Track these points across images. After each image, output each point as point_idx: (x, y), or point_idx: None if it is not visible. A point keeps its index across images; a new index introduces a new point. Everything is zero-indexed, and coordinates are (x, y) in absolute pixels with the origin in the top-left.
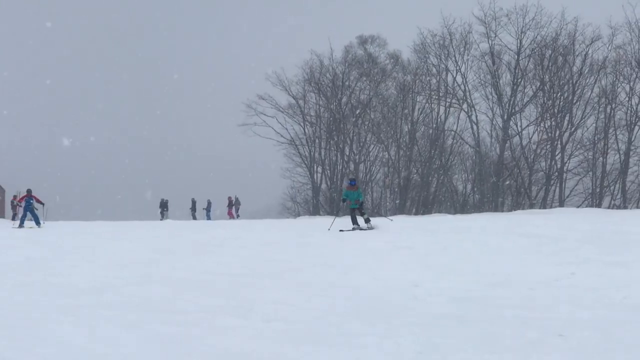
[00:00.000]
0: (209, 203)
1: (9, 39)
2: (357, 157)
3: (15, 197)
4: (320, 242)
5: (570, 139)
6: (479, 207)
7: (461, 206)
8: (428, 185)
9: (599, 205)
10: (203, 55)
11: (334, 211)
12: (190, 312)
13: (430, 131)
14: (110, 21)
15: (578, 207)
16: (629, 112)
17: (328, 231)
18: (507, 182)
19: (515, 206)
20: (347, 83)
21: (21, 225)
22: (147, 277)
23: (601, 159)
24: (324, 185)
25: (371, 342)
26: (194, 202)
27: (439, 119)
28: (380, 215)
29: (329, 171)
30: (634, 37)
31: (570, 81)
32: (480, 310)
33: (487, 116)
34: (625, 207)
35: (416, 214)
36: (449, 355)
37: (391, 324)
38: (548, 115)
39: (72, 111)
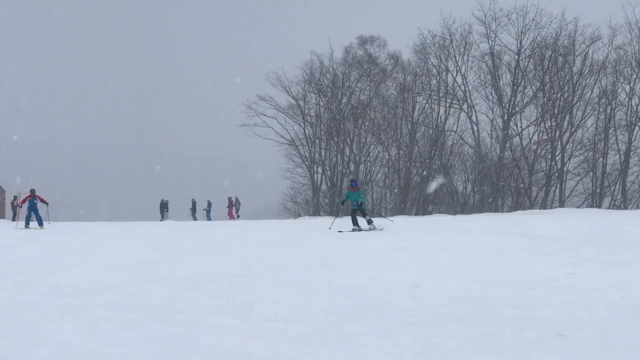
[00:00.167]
0: (209, 204)
1: (9, 39)
2: (357, 157)
3: (15, 197)
4: (320, 242)
5: (571, 140)
6: (479, 208)
7: (461, 207)
8: (428, 186)
9: (599, 206)
10: (203, 55)
11: (335, 212)
12: (190, 312)
13: (431, 132)
14: (110, 21)
15: (578, 207)
16: (629, 112)
17: (329, 230)
18: (507, 183)
19: (516, 207)
20: (347, 83)
21: (27, 226)
22: (147, 277)
23: (601, 159)
24: (324, 186)
25: (371, 342)
26: (194, 203)
27: (439, 120)
28: (380, 215)
29: (329, 172)
30: (634, 37)
31: (571, 81)
32: (480, 310)
33: (487, 117)
34: (625, 208)
35: (416, 214)
36: (449, 355)
37: (391, 324)
38: (548, 115)
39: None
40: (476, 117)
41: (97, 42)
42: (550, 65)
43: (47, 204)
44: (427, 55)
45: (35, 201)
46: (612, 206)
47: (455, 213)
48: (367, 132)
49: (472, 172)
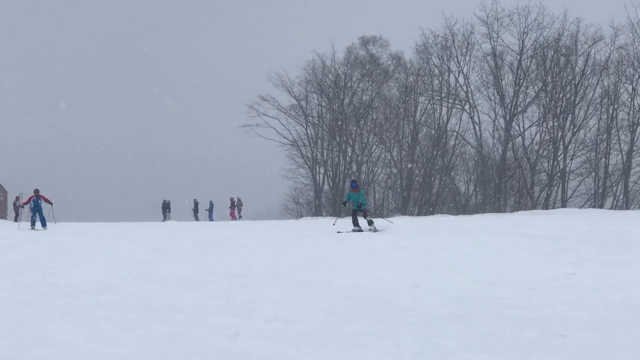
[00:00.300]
0: (211, 204)
1: (9, 39)
2: (359, 158)
3: (17, 198)
4: (320, 242)
5: (573, 140)
6: (481, 208)
7: (463, 207)
8: (430, 186)
9: (601, 206)
10: (203, 55)
11: (336, 212)
12: (190, 312)
13: (433, 132)
14: (110, 21)
15: (580, 207)
16: (631, 112)
17: (333, 227)
18: (509, 183)
19: (518, 207)
20: (349, 84)
21: (32, 227)
22: (147, 277)
23: (604, 159)
24: (326, 186)
25: (371, 342)
26: (196, 203)
27: (441, 120)
28: (380, 216)
29: (331, 172)
30: (636, 37)
31: (573, 82)
32: (480, 310)
33: (490, 117)
34: (627, 208)
35: (418, 214)
36: (449, 355)
37: (391, 324)
38: (550, 115)
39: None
40: (478, 117)
41: (97, 42)
42: (552, 66)
43: (51, 203)
44: (429, 56)
45: (39, 201)
46: (615, 206)
47: (457, 213)
48: (369, 132)
49: (474, 172)
